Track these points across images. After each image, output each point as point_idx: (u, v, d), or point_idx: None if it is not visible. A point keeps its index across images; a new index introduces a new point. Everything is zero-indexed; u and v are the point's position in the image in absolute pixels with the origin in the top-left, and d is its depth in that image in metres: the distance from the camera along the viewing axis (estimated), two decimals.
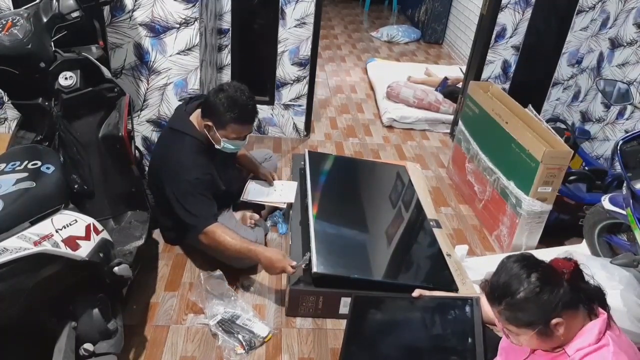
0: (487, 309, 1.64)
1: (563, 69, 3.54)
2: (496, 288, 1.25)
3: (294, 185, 2.54)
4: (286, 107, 3.46)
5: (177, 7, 2.47)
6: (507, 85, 3.56)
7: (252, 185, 2.48)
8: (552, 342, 1.24)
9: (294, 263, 2.00)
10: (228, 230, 2.04)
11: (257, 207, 2.50)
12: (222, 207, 2.34)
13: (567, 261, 1.23)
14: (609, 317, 1.25)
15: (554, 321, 1.19)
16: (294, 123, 3.53)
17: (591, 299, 1.25)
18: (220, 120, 2.03)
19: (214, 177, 2.15)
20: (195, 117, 2.13)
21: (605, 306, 1.27)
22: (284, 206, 2.50)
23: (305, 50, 3.26)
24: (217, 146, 2.10)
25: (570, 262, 1.23)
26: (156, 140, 2.60)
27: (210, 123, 2.05)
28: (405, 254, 2.34)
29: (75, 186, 1.97)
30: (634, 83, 3.01)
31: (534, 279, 1.20)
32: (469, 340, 1.57)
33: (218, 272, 2.10)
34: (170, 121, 2.26)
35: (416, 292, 1.81)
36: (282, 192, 2.49)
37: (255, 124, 3.46)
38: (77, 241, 1.46)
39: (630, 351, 1.23)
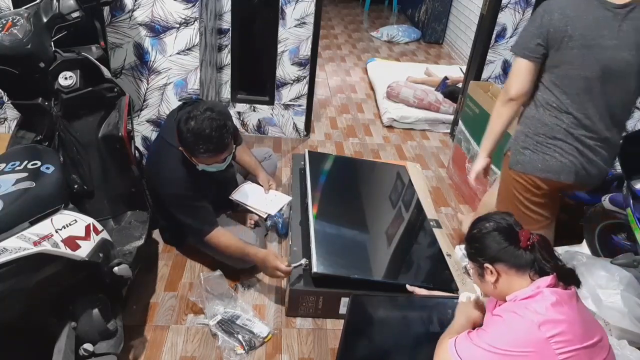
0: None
1: None
2: (472, 223, 1.48)
3: (285, 199, 2.45)
4: (286, 107, 3.46)
5: (177, 7, 2.47)
6: None
7: (245, 187, 2.44)
8: (486, 286, 1.42)
9: (286, 263, 2.03)
10: (228, 234, 2.09)
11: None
12: (221, 209, 2.34)
13: (532, 234, 1.37)
14: (570, 284, 1.34)
15: (486, 265, 1.38)
16: (294, 123, 3.53)
17: (544, 275, 1.34)
18: (190, 150, 1.96)
19: (200, 184, 2.10)
20: None
21: (575, 283, 1.35)
22: (264, 215, 2.39)
23: (305, 50, 3.26)
24: (198, 168, 2.03)
25: (535, 236, 1.37)
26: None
27: (183, 150, 1.99)
28: (406, 254, 2.34)
29: (75, 186, 1.97)
30: None
31: (490, 225, 1.40)
32: None
33: (218, 272, 2.10)
34: (162, 129, 2.23)
35: (409, 288, 1.84)
36: (270, 202, 2.41)
37: (254, 124, 3.49)
38: (77, 241, 1.46)
39: (570, 308, 1.28)
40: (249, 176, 2.57)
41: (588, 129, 1.70)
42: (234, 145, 2.29)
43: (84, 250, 1.48)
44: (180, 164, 2.04)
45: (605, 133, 1.71)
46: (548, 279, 1.32)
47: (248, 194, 2.41)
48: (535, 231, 1.79)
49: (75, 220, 1.49)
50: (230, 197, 2.38)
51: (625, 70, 1.64)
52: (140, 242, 2.03)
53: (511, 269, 1.36)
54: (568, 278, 1.35)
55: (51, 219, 1.43)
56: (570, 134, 1.72)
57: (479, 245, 1.40)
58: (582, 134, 1.71)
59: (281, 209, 2.43)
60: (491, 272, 1.38)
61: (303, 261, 2.06)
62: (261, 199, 2.42)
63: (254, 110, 3.44)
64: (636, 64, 1.64)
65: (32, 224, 1.37)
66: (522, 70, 1.73)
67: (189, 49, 2.59)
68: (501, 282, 1.38)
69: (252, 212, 2.39)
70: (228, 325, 1.94)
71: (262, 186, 2.48)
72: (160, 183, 2.08)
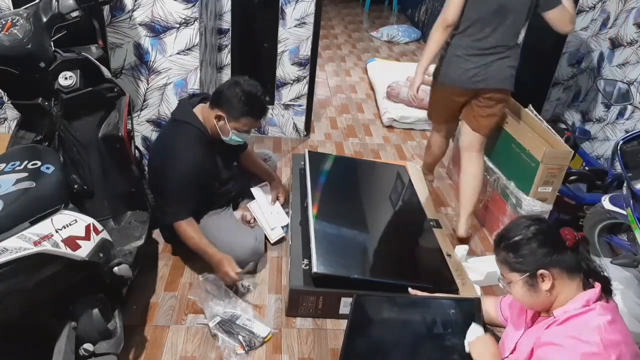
0: (489, 311, 1.65)
1: (563, 69, 3.54)
2: (501, 234, 1.38)
3: (285, 220, 2.49)
4: (286, 107, 3.46)
5: (177, 7, 2.47)
6: None
7: (258, 201, 2.49)
8: (538, 297, 1.31)
9: (239, 270, 2.07)
10: (196, 229, 2.12)
11: None
12: (222, 205, 2.35)
13: (573, 232, 1.31)
14: (607, 295, 1.31)
15: (540, 271, 1.27)
16: (294, 123, 3.53)
17: (591, 277, 1.31)
18: (234, 112, 2.06)
19: (207, 169, 2.16)
20: (200, 110, 2.15)
21: (609, 293, 1.32)
22: (265, 229, 2.45)
23: (305, 50, 3.26)
24: (224, 137, 2.13)
25: (577, 234, 1.31)
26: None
27: (222, 114, 2.07)
28: (406, 254, 2.34)
29: (75, 186, 1.97)
30: (634, 83, 3.01)
31: (533, 228, 1.31)
32: None
33: (213, 276, 2.08)
34: (173, 112, 2.28)
35: (412, 291, 1.82)
36: (273, 218, 2.48)
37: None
38: (77, 241, 1.46)
39: (622, 326, 1.27)
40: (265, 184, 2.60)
41: (483, 48, 2.32)
42: (244, 145, 2.39)
43: (84, 250, 1.48)
44: (192, 140, 2.10)
45: (498, 50, 2.33)
46: (596, 292, 1.26)
47: (257, 210, 2.47)
48: (442, 125, 2.76)
49: (75, 220, 1.49)
50: (248, 205, 2.47)
51: (518, 8, 2.25)
52: (140, 242, 2.03)
53: (563, 272, 1.29)
54: (606, 287, 1.30)
55: (51, 219, 1.42)
56: (469, 52, 2.34)
57: (528, 251, 1.29)
58: (478, 52, 2.33)
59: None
60: (547, 278, 1.28)
61: (249, 285, 2.16)
62: (269, 214, 2.48)
63: None
64: (527, 3, 2.23)
65: (32, 223, 1.37)
66: (455, 2, 2.26)
67: (189, 49, 2.59)
68: (557, 288, 1.29)
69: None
70: (228, 326, 1.94)
71: (270, 190, 2.55)
72: (168, 155, 2.10)
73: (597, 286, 1.29)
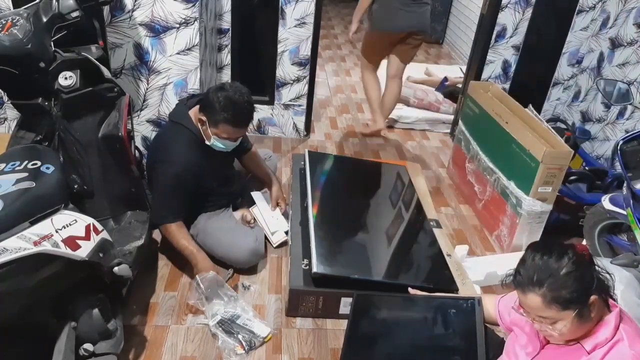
0: (488, 309, 1.64)
1: (563, 69, 3.54)
2: (534, 272, 1.20)
3: (284, 226, 2.48)
4: (286, 107, 3.46)
5: (177, 7, 2.47)
6: (507, 85, 3.55)
7: (260, 205, 2.48)
8: (586, 326, 1.21)
9: (223, 283, 2.07)
10: (183, 233, 2.14)
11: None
12: (221, 206, 2.35)
13: (582, 245, 1.25)
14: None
15: (592, 298, 1.18)
16: (294, 123, 3.53)
17: (603, 288, 1.26)
18: (213, 117, 2.05)
19: (203, 170, 2.15)
20: (194, 112, 2.15)
21: (612, 298, 1.28)
22: (266, 232, 2.44)
23: (305, 50, 3.26)
24: (207, 142, 2.12)
25: (584, 246, 1.26)
26: None
27: (204, 118, 2.07)
28: (406, 254, 2.34)
29: (75, 186, 1.96)
30: (634, 83, 3.01)
31: (571, 254, 1.19)
32: (471, 340, 1.57)
33: (211, 274, 2.08)
34: (170, 114, 2.29)
35: (412, 291, 1.82)
36: (273, 223, 2.47)
37: (254, 124, 3.49)
38: (77, 241, 1.46)
39: None
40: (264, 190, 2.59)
41: (413, 1, 3.18)
42: (247, 147, 2.39)
43: (84, 250, 1.48)
44: (187, 144, 2.10)
45: (423, 2, 3.26)
46: (619, 314, 1.22)
47: (258, 214, 2.46)
48: (374, 65, 3.56)
49: (75, 220, 1.49)
50: (250, 209, 2.45)
51: None
52: (140, 242, 2.03)
53: (596, 292, 1.20)
54: (610, 295, 1.25)
55: (51, 219, 1.42)
56: (403, 3, 3.18)
57: (579, 282, 1.17)
58: (408, 2, 3.18)
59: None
60: (596, 304, 1.19)
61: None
62: (269, 218, 2.46)
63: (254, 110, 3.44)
64: None
65: (32, 223, 1.37)
66: None
67: (189, 49, 2.59)
68: (598, 311, 1.21)
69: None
70: (228, 325, 1.94)
71: (270, 197, 2.54)
72: (162, 156, 2.11)
73: (615, 307, 1.24)
